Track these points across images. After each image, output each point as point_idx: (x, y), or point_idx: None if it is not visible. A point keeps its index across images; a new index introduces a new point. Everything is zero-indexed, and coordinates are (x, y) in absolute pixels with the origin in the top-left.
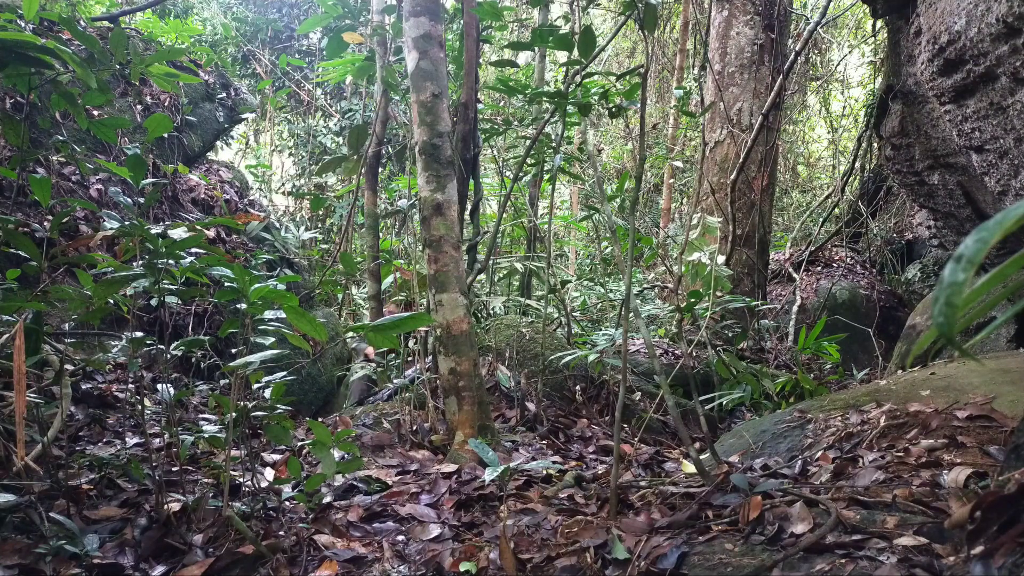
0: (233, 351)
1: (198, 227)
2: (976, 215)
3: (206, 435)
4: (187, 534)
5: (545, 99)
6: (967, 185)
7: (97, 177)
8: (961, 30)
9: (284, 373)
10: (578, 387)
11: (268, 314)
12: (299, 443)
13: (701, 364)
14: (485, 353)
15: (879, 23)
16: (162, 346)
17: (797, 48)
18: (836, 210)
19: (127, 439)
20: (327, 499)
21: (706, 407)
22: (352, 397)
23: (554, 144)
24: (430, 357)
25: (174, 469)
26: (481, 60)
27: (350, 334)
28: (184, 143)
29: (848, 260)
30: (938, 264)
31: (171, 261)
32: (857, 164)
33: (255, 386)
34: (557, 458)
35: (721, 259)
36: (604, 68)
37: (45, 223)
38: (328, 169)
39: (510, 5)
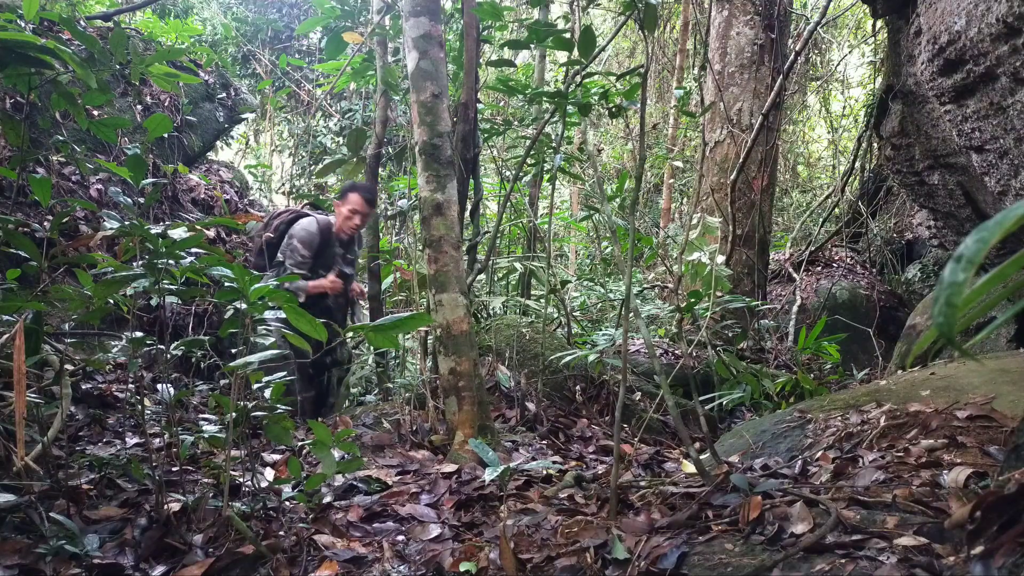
0: (233, 351)
1: (198, 227)
2: (976, 215)
3: (206, 435)
4: (187, 534)
5: (545, 99)
6: (967, 185)
7: (97, 177)
8: (961, 30)
9: (284, 373)
10: (578, 387)
11: (268, 314)
12: (299, 443)
13: (701, 364)
14: (485, 353)
15: (879, 23)
16: (162, 346)
17: (797, 48)
18: (836, 210)
19: (127, 439)
20: (327, 499)
21: (706, 407)
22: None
23: (554, 144)
24: (430, 357)
25: (174, 469)
26: (481, 60)
27: (350, 334)
28: (184, 143)
29: (848, 260)
30: (938, 264)
31: (171, 261)
32: (857, 164)
33: (255, 386)
34: (557, 458)
35: (721, 259)
36: (604, 68)
37: (45, 223)
38: (329, 171)
39: (510, 5)
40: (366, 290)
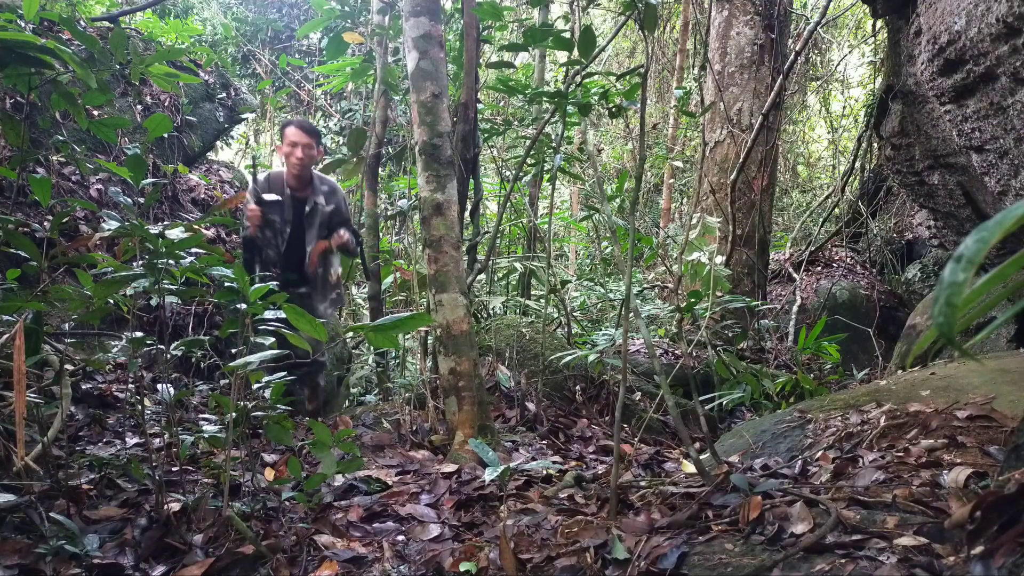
0: (233, 351)
1: (195, 227)
2: (976, 215)
3: (206, 435)
4: (187, 534)
5: (545, 99)
6: (967, 185)
7: (97, 177)
8: (961, 30)
9: (284, 373)
10: (578, 387)
11: (268, 314)
12: (299, 443)
13: (701, 364)
14: (485, 353)
15: (879, 23)
16: (162, 346)
17: (797, 48)
18: (836, 210)
19: (127, 439)
20: (327, 499)
21: (706, 407)
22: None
23: (554, 144)
24: (430, 357)
25: (174, 469)
26: (481, 60)
27: (350, 334)
28: (184, 143)
29: (848, 260)
30: (938, 264)
31: (171, 261)
32: (857, 164)
33: (255, 386)
34: (557, 458)
35: (721, 259)
36: (604, 68)
37: (45, 223)
38: (329, 171)
39: (510, 5)
40: (345, 236)
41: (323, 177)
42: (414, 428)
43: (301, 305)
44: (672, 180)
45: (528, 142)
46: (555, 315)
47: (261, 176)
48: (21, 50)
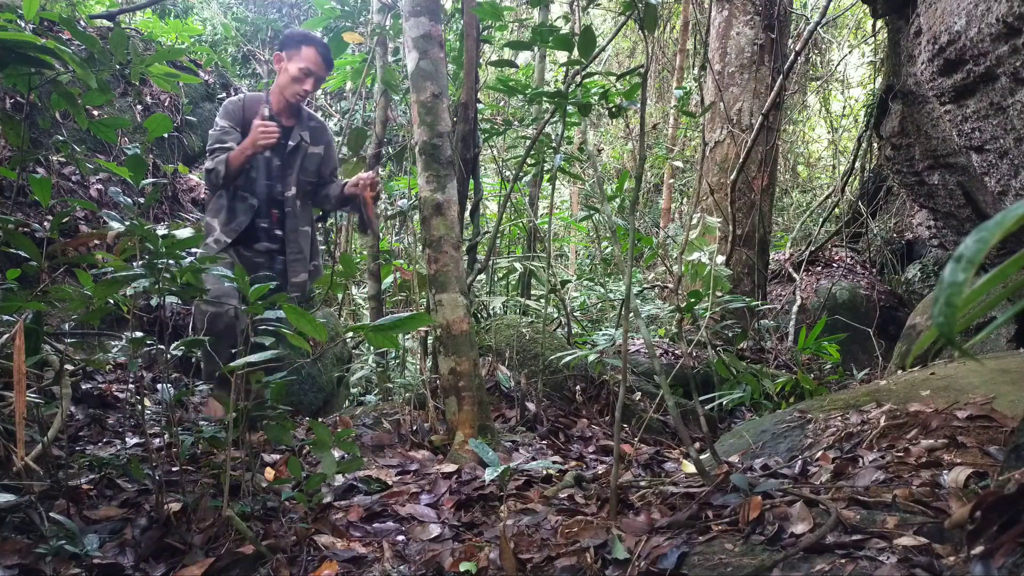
0: (232, 351)
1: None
2: (976, 215)
3: (206, 435)
4: (187, 534)
5: (545, 99)
6: (967, 185)
7: (97, 177)
8: (961, 30)
9: (284, 373)
10: (578, 387)
11: (268, 314)
12: (299, 443)
13: (701, 364)
14: (485, 353)
15: (879, 23)
16: (162, 346)
17: (797, 48)
18: (836, 210)
19: (127, 439)
20: (327, 499)
21: (706, 407)
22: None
23: (554, 144)
24: (430, 357)
25: (174, 469)
26: (481, 60)
27: (350, 334)
28: (184, 143)
29: (848, 260)
30: (938, 264)
31: (171, 261)
32: (857, 164)
33: (255, 386)
34: (557, 458)
35: (721, 259)
36: (604, 68)
37: (45, 223)
38: None
39: (510, 5)
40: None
41: (311, 112)
42: (414, 428)
43: (271, 270)
44: (672, 180)
45: (528, 142)
46: (555, 315)
47: (234, 100)
48: (21, 50)
